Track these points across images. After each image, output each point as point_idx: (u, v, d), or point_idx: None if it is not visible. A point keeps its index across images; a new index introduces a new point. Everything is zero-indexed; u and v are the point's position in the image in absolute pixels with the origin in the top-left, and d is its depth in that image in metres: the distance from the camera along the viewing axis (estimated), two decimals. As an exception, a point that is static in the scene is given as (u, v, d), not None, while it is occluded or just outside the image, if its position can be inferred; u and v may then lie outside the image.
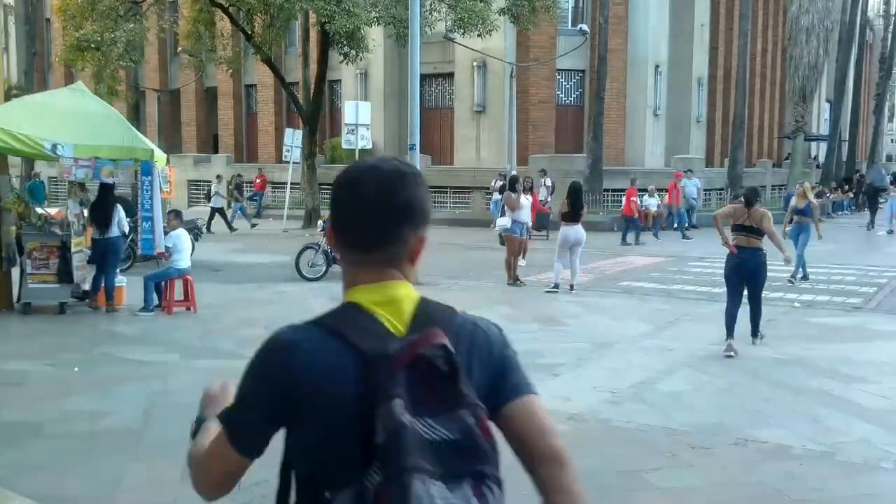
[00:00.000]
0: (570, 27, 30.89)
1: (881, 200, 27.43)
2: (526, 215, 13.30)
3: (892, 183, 27.67)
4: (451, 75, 33.16)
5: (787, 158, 38.50)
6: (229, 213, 25.62)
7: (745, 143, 35.53)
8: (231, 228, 24.32)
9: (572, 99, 33.01)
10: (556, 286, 12.38)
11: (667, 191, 25.12)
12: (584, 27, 23.17)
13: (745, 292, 8.41)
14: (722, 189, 30.05)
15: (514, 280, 13.14)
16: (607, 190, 27.34)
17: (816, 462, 4.97)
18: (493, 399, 1.48)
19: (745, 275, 8.36)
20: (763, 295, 8.72)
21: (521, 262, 13.98)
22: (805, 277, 13.27)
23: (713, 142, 38.29)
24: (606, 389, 6.61)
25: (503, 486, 1.33)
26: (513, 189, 13.36)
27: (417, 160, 13.63)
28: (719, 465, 4.98)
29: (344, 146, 24.54)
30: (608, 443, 5.34)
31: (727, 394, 6.56)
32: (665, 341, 8.63)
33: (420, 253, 1.55)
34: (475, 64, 31.48)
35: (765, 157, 42.21)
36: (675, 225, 24.21)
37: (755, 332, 8.50)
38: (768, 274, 8.64)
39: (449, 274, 14.48)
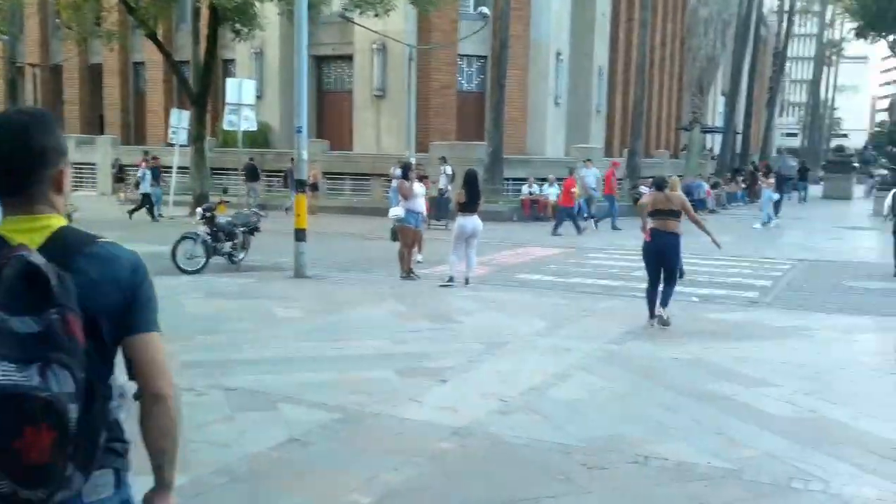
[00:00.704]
0: (472, 11, 30.37)
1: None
2: (420, 204, 12.63)
3: (800, 175, 28.41)
4: (350, 57, 32.20)
5: (683, 149, 39.14)
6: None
7: (643, 134, 35.90)
8: (154, 217, 22.69)
9: (474, 85, 32.52)
10: (451, 280, 11.78)
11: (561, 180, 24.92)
12: (485, 10, 22.64)
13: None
14: (621, 179, 30.12)
15: (407, 273, 12.47)
16: (508, 179, 26.99)
17: (722, 482, 4.48)
18: (121, 324, 1.82)
19: (661, 256, 9.00)
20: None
21: (418, 257, 13.32)
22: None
23: (613, 132, 38.59)
24: (496, 397, 6.01)
25: (78, 374, 1.62)
26: (405, 177, 12.67)
27: (304, 143, 12.74)
28: (618, 489, 4.43)
29: (225, 127, 23.24)
30: (496, 463, 4.72)
31: (625, 401, 6.06)
32: (561, 340, 8.12)
33: (63, 183, 1.87)
34: (375, 46, 30.61)
35: (662, 147, 42.85)
36: (585, 215, 24.04)
37: (665, 303, 9.02)
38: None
39: (340, 266, 13.74)
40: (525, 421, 5.48)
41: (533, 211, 24.16)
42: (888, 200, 14.62)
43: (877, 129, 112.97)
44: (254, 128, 17.28)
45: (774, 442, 5.11)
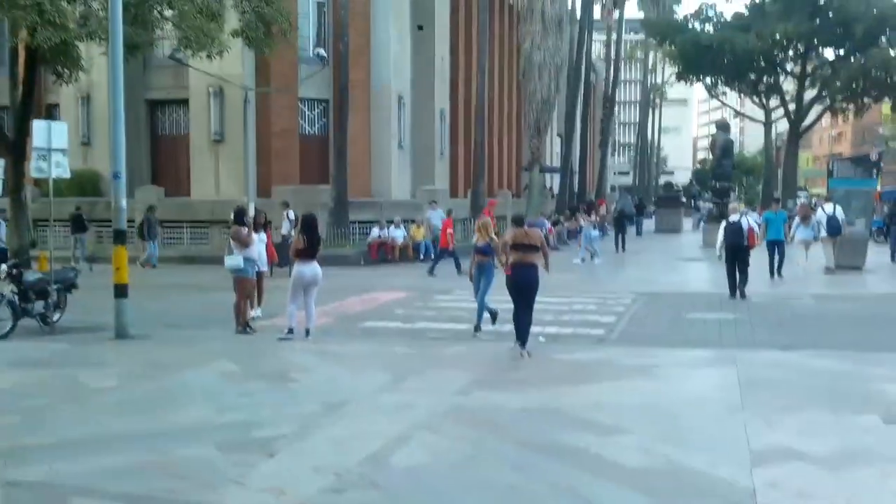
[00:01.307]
0: (311, 55, 29.83)
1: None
2: (253, 252, 11.84)
3: (637, 210, 29.45)
4: (185, 102, 30.84)
5: (525, 189, 40.01)
6: None
7: (486, 175, 36.40)
8: None
9: (317, 129, 31.89)
10: (291, 332, 11.02)
11: (413, 221, 24.70)
12: (322, 52, 22.21)
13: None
14: (466, 219, 30.27)
15: (243, 328, 11.61)
16: (354, 222, 26.46)
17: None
18: None
19: (522, 287, 9.70)
20: (509, 330, 10.04)
21: (256, 313, 12.47)
22: (488, 322, 11.57)
23: (457, 173, 38.89)
24: (331, 470, 5.36)
25: None
26: (240, 222, 11.86)
27: (122, 191, 11.66)
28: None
29: (33, 174, 21.39)
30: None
31: (473, 464, 5.56)
32: (405, 395, 7.58)
33: None
34: (211, 90, 29.44)
35: (506, 187, 43.66)
36: (422, 256, 23.82)
37: (524, 336, 9.65)
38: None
39: (170, 321, 12.69)
40: (360, 500, 4.87)
41: (381, 254, 23.70)
42: (720, 234, 15.25)
43: (698, 166, 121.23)
44: (66, 175, 15.72)
45: (632, 500, 4.75)
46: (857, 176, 19.28)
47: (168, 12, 20.00)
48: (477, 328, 11.44)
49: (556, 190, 45.35)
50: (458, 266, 20.24)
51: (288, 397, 7.58)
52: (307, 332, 11.12)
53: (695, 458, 5.54)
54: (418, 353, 9.92)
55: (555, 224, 31.42)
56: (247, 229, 11.76)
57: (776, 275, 17.60)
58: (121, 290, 11.49)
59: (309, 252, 11.09)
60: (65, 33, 18.66)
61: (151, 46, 21.11)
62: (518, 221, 10.18)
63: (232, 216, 12.02)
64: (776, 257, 17.77)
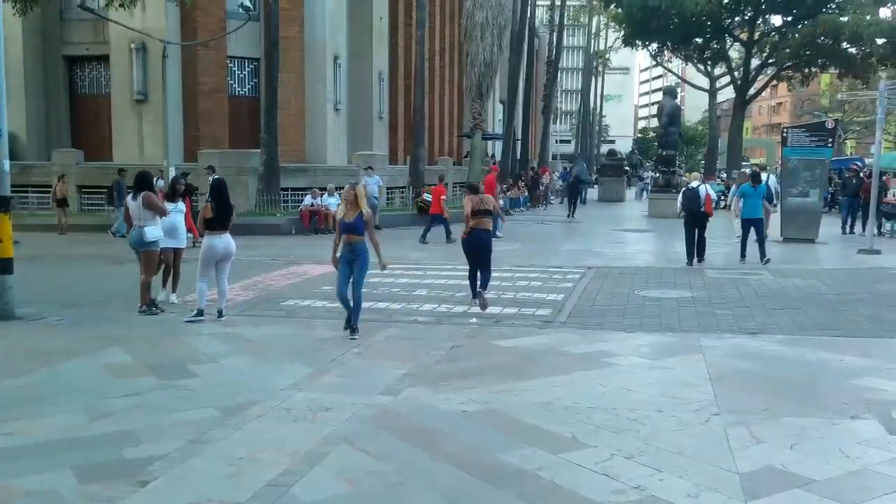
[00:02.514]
0: (237, 7, 27.99)
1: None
2: (173, 224, 10.47)
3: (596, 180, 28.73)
4: (106, 58, 28.75)
5: (466, 156, 38.84)
6: None
7: (427, 141, 35.10)
8: None
9: (247, 90, 30.12)
10: (201, 313, 9.73)
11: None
12: (247, 2, 20.50)
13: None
14: (404, 187, 29.01)
15: (148, 307, 10.24)
16: (286, 189, 24.97)
17: None
18: None
19: (478, 248, 10.74)
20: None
21: (171, 298, 11.04)
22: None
23: (396, 139, 37.48)
24: (216, 507, 4.17)
25: None
26: (150, 188, 10.40)
27: (5, 151, 10.12)
28: None
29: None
30: None
31: (398, 494, 4.43)
32: (323, 394, 6.40)
33: None
34: (133, 46, 27.45)
35: (447, 154, 42.42)
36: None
37: (485, 286, 10.70)
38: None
39: (70, 299, 11.24)
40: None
41: (313, 223, 22.30)
42: (679, 199, 15.88)
43: (639, 135, 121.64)
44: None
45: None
46: (811, 145, 18.53)
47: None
48: (352, 328, 8.87)
49: (498, 157, 44.30)
50: (448, 234, 19.76)
51: (181, 398, 6.32)
52: (219, 313, 9.84)
53: (674, 486, 4.48)
54: (344, 337, 8.72)
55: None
56: (157, 196, 10.36)
57: (749, 258, 15.31)
58: (4, 266, 10.04)
59: (220, 222, 9.76)
60: None
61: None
62: (474, 188, 11.17)
63: (135, 182, 10.55)
64: (752, 237, 15.48)
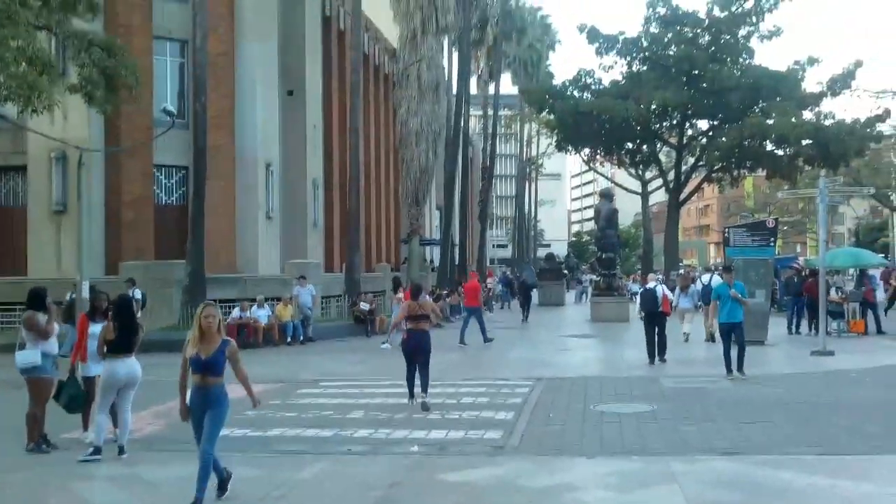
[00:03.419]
0: (165, 118, 27.20)
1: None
2: (52, 346, 9.12)
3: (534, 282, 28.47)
4: (24, 168, 27.46)
5: (404, 262, 38.11)
6: None
7: (362, 248, 34.28)
8: None
9: (175, 198, 29.02)
10: (98, 451, 8.39)
11: (279, 300, 22.16)
12: (170, 107, 19.64)
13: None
14: (340, 295, 27.90)
15: (36, 443, 8.84)
16: (214, 300, 23.57)
17: None
18: None
19: (417, 349, 11.12)
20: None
21: (87, 437, 9.40)
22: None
23: (332, 246, 36.52)
24: None
25: None
26: (38, 307, 9.15)
27: None
28: None
29: None
30: None
31: None
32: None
33: None
34: (53, 155, 26.28)
35: (384, 261, 41.61)
36: (289, 338, 21.31)
37: (424, 388, 11.05)
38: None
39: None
40: None
41: (241, 337, 20.89)
42: (637, 300, 17.06)
43: (574, 238, 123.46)
44: None
45: None
46: (753, 244, 18.24)
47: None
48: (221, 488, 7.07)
49: (436, 262, 43.70)
50: (483, 332, 20.11)
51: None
52: (120, 450, 8.52)
53: None
54: (264, 477, 7.51)
55: (436, 299, 29.51)
56: (46, 316, 9.07)
57: (736, 372, 13.30)
58: None
59: (123, 344, 8.56)
60: None
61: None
62: (415, 293, 11.66)
63: (27, 299, 9.30)
64: (734, 348, 13.39)
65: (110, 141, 26.41)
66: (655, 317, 15.28)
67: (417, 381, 11.24)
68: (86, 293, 18.72)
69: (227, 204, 28.74)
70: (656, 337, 15.36)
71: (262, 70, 29.76)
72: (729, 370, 13.40)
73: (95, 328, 9.16)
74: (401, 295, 20.65)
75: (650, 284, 15.98)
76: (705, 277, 20.56)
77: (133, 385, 8.67)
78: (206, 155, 23.58)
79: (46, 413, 9.01)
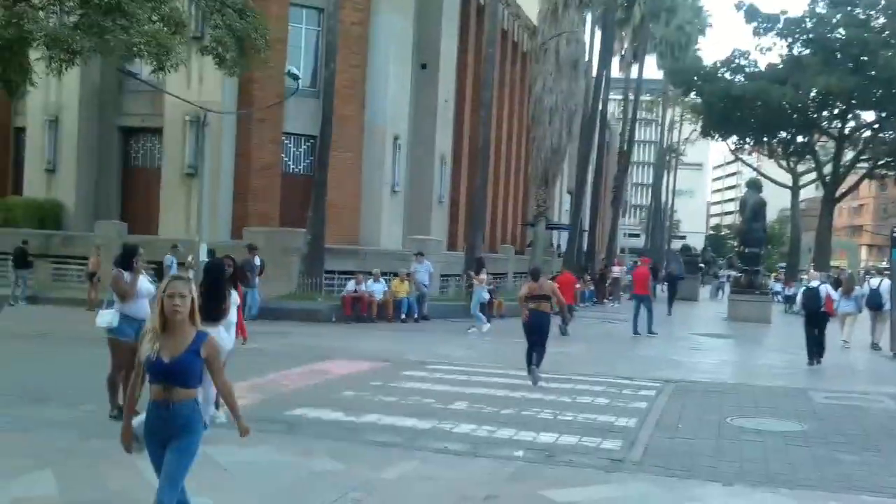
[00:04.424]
0: (300, 87, 26.97)
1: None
2: (137, 308, 8.51)
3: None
4: (160, 131, 28.00)
5: (529, 245, 36.86)
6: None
7: (486, 227, 33.29)
8: None
9: (303, 167, 28.88)
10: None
11: (396, 275, 21.48)
12: (294, 70, 19.12)
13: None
14: (459, 275, 27.00)
15: (119, 411, 8.31)
16: (332, 272, 23.23)
17: None
18: None
19: (536, 329, 11.63)
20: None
21: (219, 416, 8.58)
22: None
23: (457, 224, 35.72)
24: None
25: None
26: (126, 265, 8.60)
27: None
28: None
29: None
30: None
31: None
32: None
33: None
34: (187, 118, 26.58)
35: (508, 242, 40.50)
36: (403, 315, 20.62)
37: (538, 363, 11.51)
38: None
39: (42, 394, 9.48)
40: None
41: (356, 311, 20.39)
42: (799, 297, 15.89)
43: (712, 231, 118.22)
44: None
45: None
46: (928, 247, 16.06)
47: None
48: None
49: (563, 248, 42.15)
50: (564, 325, 17.91)
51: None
52: (204, 425, 7.80)
53: None
54: (343, 473, 6.60)
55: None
56: (129, 275, 8.49)
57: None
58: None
59: (206, 312, 7.81)
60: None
61: (97, 55, 17.88)
62: (534, 275, 12.16)
63: (118, 256, 8.77)
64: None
65: (243, 107, 26.46)
66: (817, 316, 14.95)
67: None
68: (204, 256, 18.68)
69: (353, 175, 28.40)
70: (816, 337, 14.98)
71: (395, 42, 29.18)
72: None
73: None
74: (483, 276, 19.61)
75: (814, 283, 15.49)
76: (874, 281, 18.88)
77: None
78: (332, 123, 23.15)
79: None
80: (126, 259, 8.56)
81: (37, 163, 29.01)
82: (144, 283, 8.63)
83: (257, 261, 20.00)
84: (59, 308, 20.76)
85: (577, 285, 25.79)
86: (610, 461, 7.39)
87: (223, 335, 7.92)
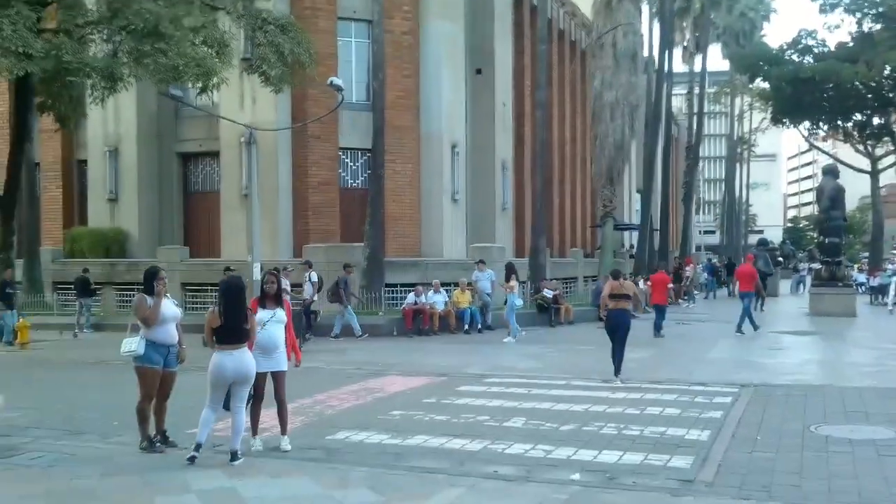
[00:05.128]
0: (353, 101, 26.67)
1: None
2: (164, 333, 8.06)
3: (728, 270, 25.21)
4: (217, 154, 28.11)
5: (598, 248, 35.78)
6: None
7: (551, 231, 32.42)
8: None
9: (360, 182, 28.54)
10: (197, 448, 7.26)
11: (469, 284, 20.78)
12: (337, 81, 18.72)
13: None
14: (525, 282, 26.19)
15: (150, 442, 7.88)
16: (394, 285, 22.77)
17: None
18: None
19: (616, 327, 12.08)
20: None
21: (283, 443, 7.85)
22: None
23: (523, 231, 34.88)
24: None
25: None
26: (149, 289, 8.15)
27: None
28: None
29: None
30: None
31: None
32: None
33: None
34: (242, 140, 26.50)
35: (578, 246, 39.47)
36: (466, 326, 19.98)
37: (618, 370, 11.93)
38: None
39: (79, 424, 9.14)
40: None
41: (416, 323, 19.84)
42: (892, 289, 15.65)
43: (790, 224, 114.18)
44: None
45: None
46: None
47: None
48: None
49: (635, 248, 40.87)
50: (657, 328, 18.21)
51: None
52: (232, 456, 7.29)
53: None
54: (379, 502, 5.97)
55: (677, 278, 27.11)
56: (152, 300, 8.03)
57: None
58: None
59: (230, 333, 7.32)
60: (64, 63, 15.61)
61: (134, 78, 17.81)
62: (614, 275, 12.54)
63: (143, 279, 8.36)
64: None
65: (296, 123, 26.31)
66: None
67: None
68: (257, 276, 18.43)
69: (412, 186, 27.98)
70: None
71: (448, 48, 28.67)
72: None
73: (264, 315, 7.91)
74: (513, 283, 18.65)
75: None
76: None
77: (245, 382, 7.43)
78: (384, 135, 22.77)
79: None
80: (148, 283, 8.14)
81: (99, 193, 29.48)
82: (170, 306, 8.18)
83: (314, 277, 19.67)
84: (122, 335, 20.78)
85: (670, 285, 24.59)
86: (678, 482, 6.59)
87: (245, 361, 7.40)
